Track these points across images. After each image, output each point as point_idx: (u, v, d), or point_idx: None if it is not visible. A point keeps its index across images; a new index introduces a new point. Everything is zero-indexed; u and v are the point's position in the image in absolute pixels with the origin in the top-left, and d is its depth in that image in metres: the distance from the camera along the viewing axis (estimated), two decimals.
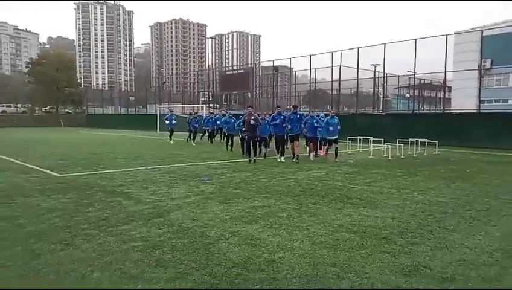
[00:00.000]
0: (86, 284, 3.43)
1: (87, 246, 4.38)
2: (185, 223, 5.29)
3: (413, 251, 4.24)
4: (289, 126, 12.45)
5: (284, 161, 12.17)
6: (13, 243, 4.43)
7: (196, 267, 3.78)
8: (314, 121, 12.79)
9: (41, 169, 10.32)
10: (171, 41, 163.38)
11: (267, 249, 4.25)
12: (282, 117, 12.56)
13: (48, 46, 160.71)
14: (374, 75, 25.14)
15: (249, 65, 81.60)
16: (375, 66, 24.52)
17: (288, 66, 30.79)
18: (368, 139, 15.67)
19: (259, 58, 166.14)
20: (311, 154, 12.80)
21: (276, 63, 30.50)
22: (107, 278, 3.53)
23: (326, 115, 13.76)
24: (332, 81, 25.34)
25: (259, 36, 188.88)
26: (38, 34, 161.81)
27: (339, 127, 12.79)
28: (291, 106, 15.12)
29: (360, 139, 16.04)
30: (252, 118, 12.24)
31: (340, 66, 24.03)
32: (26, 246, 4.35)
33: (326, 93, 29.69)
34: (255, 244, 4.40)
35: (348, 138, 15.73)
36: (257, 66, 43.49)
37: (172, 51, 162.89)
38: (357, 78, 24.00)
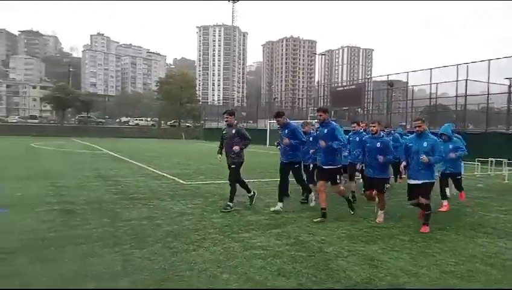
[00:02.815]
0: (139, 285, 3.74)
1: (215, 249, 4.77)
2: (302, 236, 5.38)
3: None
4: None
5: (279, 209, 7.00)
6: (154, 240, 5.05)
7: (316, 281, 3.83)
8: (378, 143, 6.45)
9: (171, 176, 11.56)
10: (282, 58, 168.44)
11: (389, 272, 4.08)
12: (297, 132, 7.16)
13: (173, 66, 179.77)
14: (509, 89, 22.21)
15: (360, 80, 79.51)
16: (511, 80, 21.67)
17: (404, 80, 29.16)
18: (502, 161, 13.85)
19: (371, 72, 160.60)
20: (380, 212, 6.50)
21: (390, 78, 29.16)
22: (235, 280, 3.80)
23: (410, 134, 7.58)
24: (456, 96, 23.16)
25: (372, 50, 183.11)
26: (166, 56, 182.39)
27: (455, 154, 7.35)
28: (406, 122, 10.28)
29: (491, 162, 14.28)
30: (233, 131, 7.26)
31: (467, 80, 21.84)
32: (165, 244, 4.92)
33: (447, 109, 27.26)
34: (375, 266, 4.26)
35: (477, 159, 14.09)
36: (369, 81, 42.21)
37: (282, 68, 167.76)
38: (487, 93, 21.52)
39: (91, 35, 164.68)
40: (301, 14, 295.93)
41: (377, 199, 6.60)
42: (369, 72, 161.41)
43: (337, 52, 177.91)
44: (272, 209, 6.99)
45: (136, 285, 3.66)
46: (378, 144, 6.44)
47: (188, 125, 64.93)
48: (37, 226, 5.64)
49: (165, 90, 62.95)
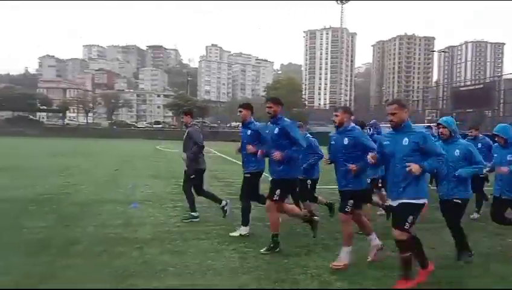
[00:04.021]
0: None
1: (326, 254, 4.71)
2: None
3: None
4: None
5: (244, 233, 5.53)
6: (267, 241, 5.18)
7: None
8: (346, 139, 4.52)
9: None
10: (393, 58, 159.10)
11: None
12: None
13: (280, 72, 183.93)
14: None
15: (487, 78, 70.75)
16: None
17: None
18: None
19: (502, 70, 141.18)
20: (373, 242, 4.69)
21: None
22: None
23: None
24: None
25: (502, 44, 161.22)
26: (273, 62, 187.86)
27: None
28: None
29: None
30: (186, 133, 6.54)
31: None
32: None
33: None
34: None
35: None
36: (500, 79, 37.21)
37: (394, 68, 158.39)
38: None
39: (206, 47, 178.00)
40: (416, 9, 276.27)
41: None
42: (499, 70, 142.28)
43: (459, 48, 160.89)
44: (232, 234, 5.52)
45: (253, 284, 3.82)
46: (346, 140, 4.52)
47: None
48: (165, 220, 6.32)
49: (272, 95, 64.77)
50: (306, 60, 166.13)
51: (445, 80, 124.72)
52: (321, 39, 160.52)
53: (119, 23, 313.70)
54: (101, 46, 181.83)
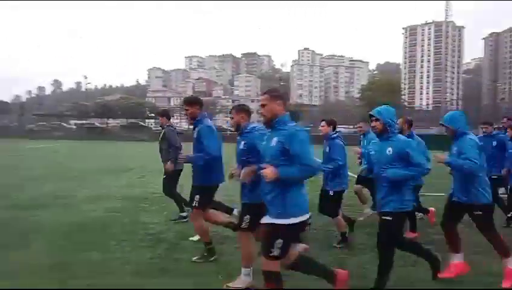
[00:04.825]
0: None
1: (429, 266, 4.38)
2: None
3: None
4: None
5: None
6: (366, 249, 5.04)
7: None
8: (242, 143, 4.01)
9: None
10: (509, 51, 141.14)
11: None
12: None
13: (376, 72, 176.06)
14: None
15: None
16: None
17: None
18: None
19: None
20: (243, 272, 3.92)
21: None
22: None
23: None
24: None
25: None
26: (368, 62, 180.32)
27: None
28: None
29: None
30: (161, 134, 6.69)
31: None
32: (377, 254, 4.84)
33: None
34: None
35: None
36: None
37: (510, 62, 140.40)
38: None
39: (298, 51, 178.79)
40: None
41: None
42: None
43: None
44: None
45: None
46: (242, 144, 3.87)
47: None
48: None
49: (368, 96, 62.46)
50: (405, 58, 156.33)
51: None
52: (422, 35, 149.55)
53: (216, 34, 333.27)
54: (200, 57, 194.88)
